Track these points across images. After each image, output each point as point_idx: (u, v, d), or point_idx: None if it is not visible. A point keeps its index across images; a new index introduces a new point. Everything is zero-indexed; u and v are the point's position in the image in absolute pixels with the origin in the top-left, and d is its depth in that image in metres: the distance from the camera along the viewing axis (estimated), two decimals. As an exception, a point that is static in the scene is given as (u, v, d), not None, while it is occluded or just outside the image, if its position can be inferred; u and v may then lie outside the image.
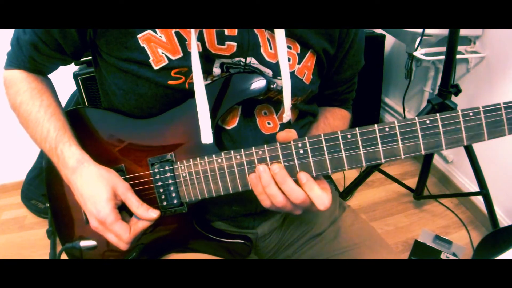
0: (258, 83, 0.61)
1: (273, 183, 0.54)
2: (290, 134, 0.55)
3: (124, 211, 0.64)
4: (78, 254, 0.76)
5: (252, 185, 0.57)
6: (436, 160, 1.92)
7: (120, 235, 0.60)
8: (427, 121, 0.50)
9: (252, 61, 0.63)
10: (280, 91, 0.64)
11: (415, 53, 1.53)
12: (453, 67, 1.28)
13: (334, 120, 0.80)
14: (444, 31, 1.44)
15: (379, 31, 2.00)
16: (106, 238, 0.62)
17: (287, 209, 0.56)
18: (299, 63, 0.67)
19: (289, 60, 0.64)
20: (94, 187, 0.61)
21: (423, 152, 0.51)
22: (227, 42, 0.61)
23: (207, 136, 0.59)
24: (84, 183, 0.61)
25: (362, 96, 0.86)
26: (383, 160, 0.52)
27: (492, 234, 1.33)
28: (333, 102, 0.84)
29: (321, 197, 0.53)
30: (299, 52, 0.66)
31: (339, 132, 0.53)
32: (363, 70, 0.83)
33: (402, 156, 0.51)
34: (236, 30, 0.60)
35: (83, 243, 0.69)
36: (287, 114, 0.64)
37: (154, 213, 0.62)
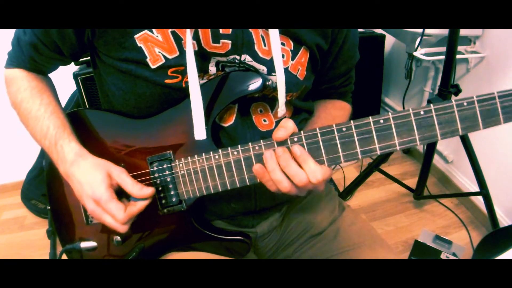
0: (254, 82, 0.62)
1: (278, 168, 0.55)
2: (288, 131, 0.55)
3: (123, 197, 0.64)
4: (78, 255, 0.76)
5: (258, 176, 0.57)
6: (436, 160, 1.92)
7: (115, 214, 0.60)
8: (422, 112, 0.50)
9: (246, 58, 0.64)
10: (275, 88, 0.64)
11: (415, 53, 1.53)
12: (453, 67, 1.28)
13: (334, 110, 0.81)
14: (444, 31, 1.44)
15: (379, 31, 2.00)
16: (104, 222, 0.62)
17: (292, 193, 0.57)
18: (292, 59, 0.67)
19: (282, 56, 0.65)
20: (90, 173, 0.62)
21: (418, 143, 0.51)
22: (221, 40, 0.61)
23: (200, 132, 0.60)
24: (82, 172, 0.62)
25: (362, 96, 0.87)
26: (378, 152, 0.53)
27: (492, 234, 1.33)
28: (332, 96, 0.85)
29: (314, 171, 0.54)
30: (292, 48, 0.67)
31: (334, 125, 0.53)
32: (363, 70, 0.83)
33: (398, 148, 0.52)
34: (231, 29, 0.61)
35: (84, 244, 0.69)
36: (281, 109, 0.64)
37: (148, 190, 0.62)
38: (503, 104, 0.47)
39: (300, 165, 0.54)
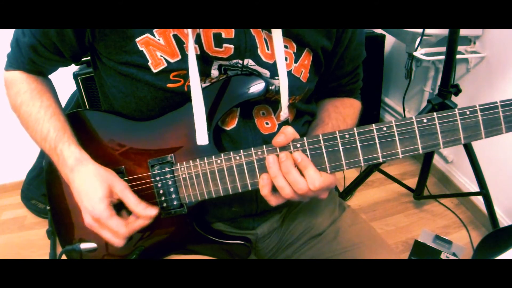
0: (257, 86, 0.61)
1: (280, 174, 0.55)
2: (288, 137, 0.55)
3: (123, 210, 0.63)
4: (78, 257, 0.75)
5: (261, 187, 0.57)
6: (436, 160, 1.92)
7: (117, 230, 0.60)
8: (424, 120, 0.50)
9: (249, 62, 0.63)
10: (278, 92, 0.64)
11: (415, 53, 1.53)
12: (453, 67, 1.28)
13: (344, 108, 0.80)
14: (444, 31, 1.44)
15: (379, 31, 2.00)
16: (101, 236, 0.62)
17: (294, 200, 0.57)
18: (295, 62, 0.67)
19: (285, 59, 0.64)
20: (90, 184, 0.61)
21: (420, 151, 0.51)
22: (224, 45, 0.61)
23: (202, 137, 0.60)
24: (82, 180, 0.61)
25: (362, 96, 0.86)
26: (381, 160, 0.53)
27: (492, 234, 1.33)
28: (340, 94, 0.84)
29: (313, 177, 0.54)
30: (295, 51, 0.66)
31: (337, 132, 0.53)
32: (363, 70, 0.83)
33: (400, 156, 0.52)
34: (233, 33, 0.60)
35: (83, 246, 0.69)
36: (284, 112, 0.64)
37: (152, 211, 0.61)
38: (506, 113, 0.48)
39: (301, 172, 0.55)
